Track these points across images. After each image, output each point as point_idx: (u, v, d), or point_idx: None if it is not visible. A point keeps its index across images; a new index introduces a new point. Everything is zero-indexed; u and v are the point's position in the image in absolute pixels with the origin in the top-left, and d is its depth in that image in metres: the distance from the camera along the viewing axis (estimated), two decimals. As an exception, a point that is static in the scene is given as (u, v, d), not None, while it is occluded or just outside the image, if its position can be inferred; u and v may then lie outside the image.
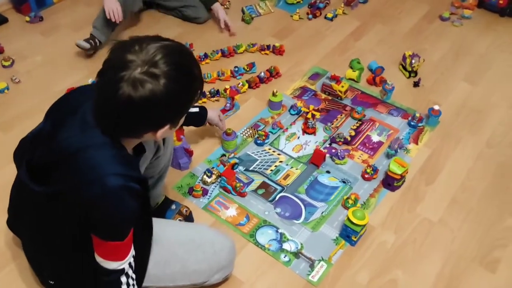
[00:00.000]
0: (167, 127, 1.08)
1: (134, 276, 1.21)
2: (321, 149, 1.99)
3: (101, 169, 1.03)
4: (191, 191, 1.79)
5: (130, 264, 1.18)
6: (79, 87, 1.26)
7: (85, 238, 1.13)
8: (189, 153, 1.85)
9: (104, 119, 1.06)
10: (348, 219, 1.62)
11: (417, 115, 2.10)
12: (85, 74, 2.26)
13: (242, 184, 1.80)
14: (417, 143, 2.04)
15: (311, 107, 2.14)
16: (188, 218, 1.69)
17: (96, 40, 2.36)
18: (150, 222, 1.27)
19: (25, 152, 1.21)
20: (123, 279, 1.18)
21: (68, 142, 1.07)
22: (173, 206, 1.69)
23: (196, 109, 1.76)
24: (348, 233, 1.66)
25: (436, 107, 2.08)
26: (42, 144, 1.13)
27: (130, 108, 0.99)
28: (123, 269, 1.17)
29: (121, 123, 1.03)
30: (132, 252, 1.18)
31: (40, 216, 1.20)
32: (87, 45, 2.32)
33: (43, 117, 1.21)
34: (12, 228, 1.44)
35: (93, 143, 1.06)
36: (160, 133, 1.09)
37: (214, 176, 1.83)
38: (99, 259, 1.15)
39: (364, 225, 1.63)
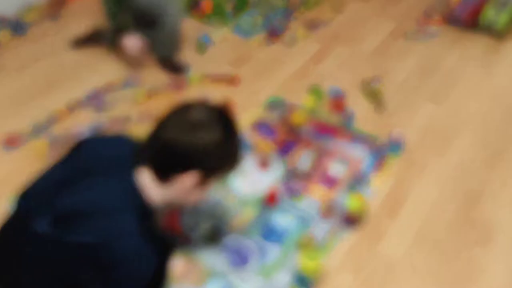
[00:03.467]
0: (197, 174, 1.14)
1: None
2: (277, 185, 1.85)
3: (127, 230, 1.09)
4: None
5: None
6: (100, 138, 1.31)
7: None
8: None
9: (149, 158, 1.16)
10: (299, 263, 1.49)
11: (379, 142, 1.96)
12: (28, 117, 2.13)
13: (189, 230, 1.66)
14: (380, 173, 1.90)
15: (265, 141, 2.00)
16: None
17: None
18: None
19: (43, 200, 1.16)
20: None
21: (103, 201, 1.12)
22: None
23: None
24: (301, 278, 1.51)
25: (397, 133, 1.96)
26: (67, 193, 1.14)
27: (176, 147, 1.11)
28: None
29: (161, 160, 1.14)
30: None
31: (40, 267, 1.16)
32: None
33: (58, 163, 1.24)
34: None
35: (126, 205, 1.12)
36: (190, 177, 1.13)
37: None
38: None
39: (316, 269, 1.49)
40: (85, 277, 1.10)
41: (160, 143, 1.13)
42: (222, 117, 1.16)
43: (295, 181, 1.87)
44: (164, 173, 1.15)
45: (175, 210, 1.72)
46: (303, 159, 1.96)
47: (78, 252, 1.09)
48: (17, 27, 2.65)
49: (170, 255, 1.24)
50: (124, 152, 1.20)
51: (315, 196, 1.82)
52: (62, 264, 1.11)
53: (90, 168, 1.18)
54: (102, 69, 2.44)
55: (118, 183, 1.14)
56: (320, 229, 1.71)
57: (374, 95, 2.21)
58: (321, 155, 1.98)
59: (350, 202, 1.67)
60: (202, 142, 1.11)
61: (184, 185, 1.16)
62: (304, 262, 1.50)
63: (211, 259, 1.61)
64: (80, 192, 1.13)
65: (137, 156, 1.18)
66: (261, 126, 2.12)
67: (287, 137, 2.06)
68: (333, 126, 2.12)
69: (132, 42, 2.24)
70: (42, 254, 1.13)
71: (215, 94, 2.26)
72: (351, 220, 1.70)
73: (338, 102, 2.19)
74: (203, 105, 1.16)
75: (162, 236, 1.20)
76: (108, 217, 1.10)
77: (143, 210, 1.16)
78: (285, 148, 2.01)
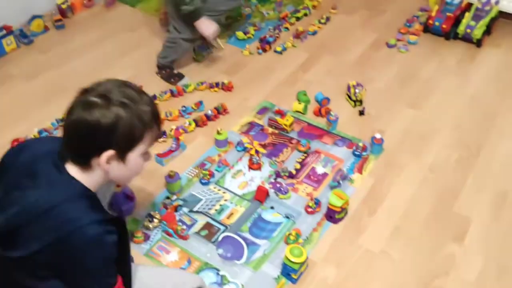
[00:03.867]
0: (111, 153, 1.11)
1: None
2: (266, 184, 2.01)
3: (79, 220, 1.06)
4: (132, 237, 1.79)
5: None
6: (16, 146, 1.27)
7: None
8: (130, 199, 1.85)
9: (63, 147, 1.14)
10: (286, 257, 1.63)
11: (361, 144, 2.12)
12: (33, 123, 2.26)
13: (183, 227, 1.81)
14: (361, 173, 2.06)
15: (255, 143, 2.16)
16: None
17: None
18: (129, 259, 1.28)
19: None
20: None
21: (39, 202, 1.08)
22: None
23: None
24: (288, 271, 1.66)
25: (378, 136, 2.11)
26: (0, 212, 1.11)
27: (79, 129, 1.10)
28: None
29: (72, 145, 1.12)
30: None
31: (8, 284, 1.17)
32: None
33: None
34: None
35: (66, 197, 1.09)
36: (105, 157, 1.11)
37: (156, 221, 1.83)
38: None
39: (302, 263, 1.63)
40: (58, 277, 1.10)
41: (67, 128, 1.13)
42: (121, 93, 1.11)
43: (283, 180, 2.03)
44: (81, 160, 1.13)
45: (172, 207, 1.88)
46: (291, 160, 2.12)
47: (35, 261, 1.07)
48: (23, 37, 2.79)
49: (126, 230, 1.21)
50: (52, 150, 1.17)
51: (301, 194, 1.98)
52: (29, 278, 1.11)
53: (19, 178, 1.14)
54: (105, 78, 2.58)
55: (53, 181, 1.12)
56: (306, 224, 1.86)
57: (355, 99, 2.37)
58: (308, 156, 2.13)
59: (333, 200, 1.81)
60: (100, 120, 1.08)
61: (104, 167, 1.13)
62: (287, 256, 1.61)
63: (204, 253, 1.76)
64: (13, 206, 1.10)
65: (61, 150, 1.15)
66: (252, 129, 2.28)
67: (276, 139, 2.22)
68: (319, 129, 2.28)
69: (208, 24, 2.35)
70: (5, 275, 1.14)
71: (210, 100, 2.42)
72: (334, 216, 1.85)
73: (323, 107, 2.35)
74: (103, 83, 1.15)
75: (113, 215, 1.18)
76: (52, 215, 1.06)
77: (87, 194, 1.13)
78: (275, 149, 2.17)
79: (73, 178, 1.13)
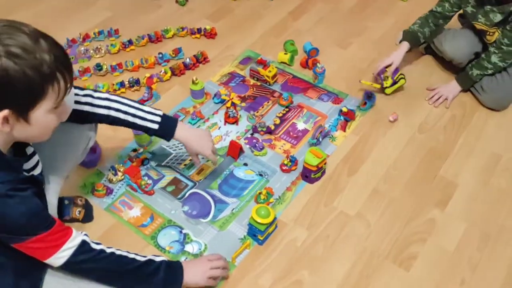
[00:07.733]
0: (6, 113, 0.96)
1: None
2: (242, 139, 1.88)
3: None
4: (94, 191, 1.69)
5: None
6: None
7: None
8: (93, 150, 1.74)
9: None
10: (252, 217, 1.53)
11: (348, 99, 1.97)
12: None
13: (148, 182, 1.70)
14: (344, 130, 1.92)
15: (233, 95, 2.01)
16: (87, 205, 1.62)
17: None
18: None
19: None
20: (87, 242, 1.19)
21: None
22: (66, 202, 1.59)
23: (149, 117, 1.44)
24: (254, 232, 1.56)
25: (367, 91, 1.95)
26: None
27: None
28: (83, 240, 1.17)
29: None
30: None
31: None
32: None
33: None
34: None
35: None
36: (3, 119, 0.96)
37: (120, 174, 1.72)
38: (52, 258, 1.12)
39: (269, 223, 1.53)
40: None
41: None
42: (11, 39, 0.95)
43: (260, 136, 1.90)
44: None
45: (138, 161, 1.77)
46: (271, 114, 1.98)
47: None
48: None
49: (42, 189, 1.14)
50: None
51: (278, 151, 1.85)
52: None
53: None
54: (80, 20, 2.42)
55: None
56: (280, 183, 1.74)
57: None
58: (289, 111, 1.99)
59: (309, 158, 1.68)
60: None
61: (3, 129, 0.99)
62: (260, 216, 1.51)
63: (169, 209, 1.66)
64: None
65: None
66: (233, 80, 2.13)
67: (257, 92, 2.07)
68: (304, 82, 2.12)
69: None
70: None
71: (191, 47, 2.25)
72: (310, 176, 1.73)
73: (311, 58, 2.18)
74: None
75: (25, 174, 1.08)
76: None
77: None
78: (254, 102, 2.03)
79: None
